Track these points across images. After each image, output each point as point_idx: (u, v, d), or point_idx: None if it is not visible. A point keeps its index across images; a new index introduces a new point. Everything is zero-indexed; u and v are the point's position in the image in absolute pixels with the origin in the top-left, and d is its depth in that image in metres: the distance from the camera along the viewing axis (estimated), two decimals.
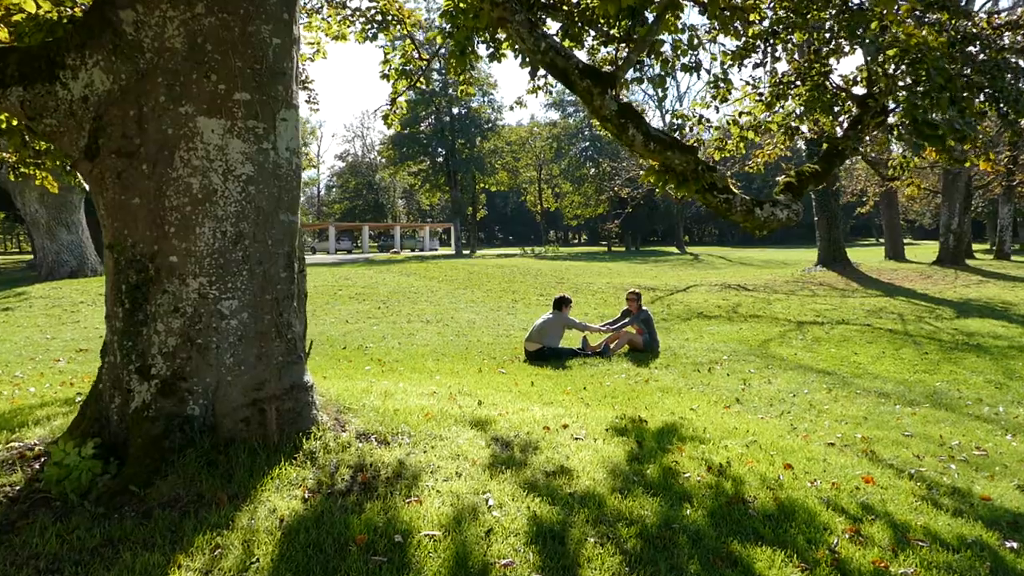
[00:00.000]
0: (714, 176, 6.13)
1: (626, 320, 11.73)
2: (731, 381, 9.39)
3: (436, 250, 72.82)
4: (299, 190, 5.23)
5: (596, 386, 8.77)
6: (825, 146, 7.34)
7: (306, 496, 4.20)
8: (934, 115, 5.88)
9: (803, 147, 26.59)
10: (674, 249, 61.85)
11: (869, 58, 7.00)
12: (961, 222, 28.21)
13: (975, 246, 42.61)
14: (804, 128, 9.12)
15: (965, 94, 5.94)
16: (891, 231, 33.19)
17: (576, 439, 5.70)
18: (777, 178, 7.07)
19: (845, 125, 8.33)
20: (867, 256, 34.35)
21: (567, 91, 55.84)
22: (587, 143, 68.63)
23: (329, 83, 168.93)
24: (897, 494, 5.09)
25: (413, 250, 72.01)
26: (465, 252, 58.81)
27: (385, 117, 9.27)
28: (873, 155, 15.00)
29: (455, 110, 60.99)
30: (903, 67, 6.48)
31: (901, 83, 7.46)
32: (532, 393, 7.98)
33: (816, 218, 28.34)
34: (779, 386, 9.13)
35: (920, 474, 5.72)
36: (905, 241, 41.75)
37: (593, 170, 65.58)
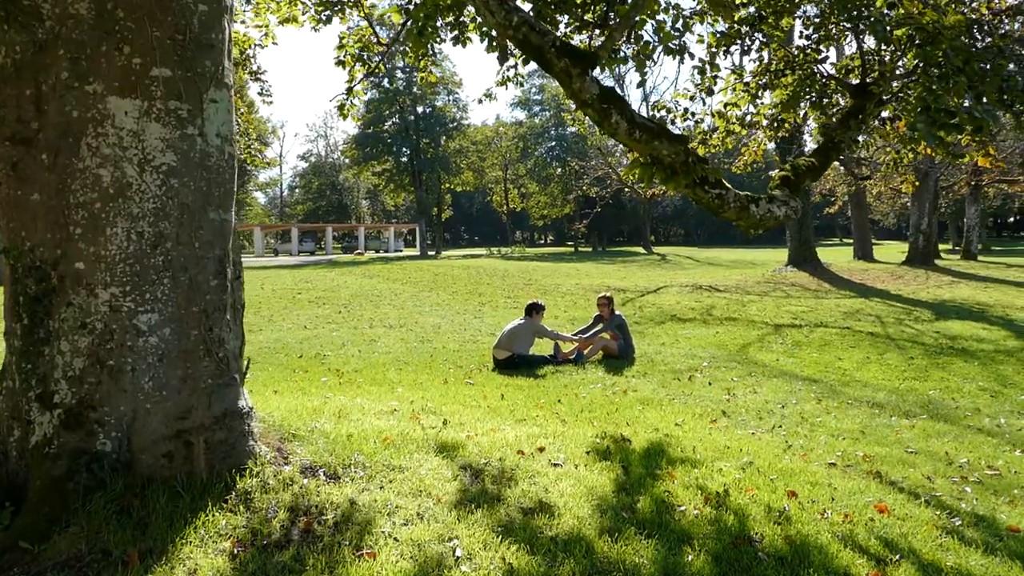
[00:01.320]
0: (706, 169, 5.51)
1: (599, 327, 11.11)
2: (714, 391, 8.80)
3: (401, 251, 71.87)
4: (234, 184, 4.50)
5: (571, 398, 8.12)
6: (821, 139, 6.76)
7: (235, 551, 3.48)
8: (949, 102, 5.32)
9: (773, 148, 26.27)
10: (641, 249, 61.56)
11: (873, 40, 6.44)
12: (931, 222, 28.09)
13: (939, 246, 42.81)
14: (791, 121, 8.56)
15: (986, 78, 5.36)
16: (860, 231, 33.06)
17: (555, 465, 5.04)
18: (770, 173, 6.50)
19: (837, 117, 7.79)
20: (835, 256, 34.18)
21: (534, 90, 55.59)
22: (553, 143, 68.22)
23: (291, 81, 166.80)
24: (917, 526, 4.50)
25: (378, 251, 70.99)
26: (430, 253, 57.99)
27: (341, 107, 8.53)
28: (849, 154, 14.56)
29: (420, 109, 60.18)
30: (913, 49, 5.91)
31: (899, 70, 6.93)
32: (503, 408, 7.30)
33: None
34: (765, 396, 8.56)
35: (936, 499, 5.15)
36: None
37: (560, 170, 65.16)
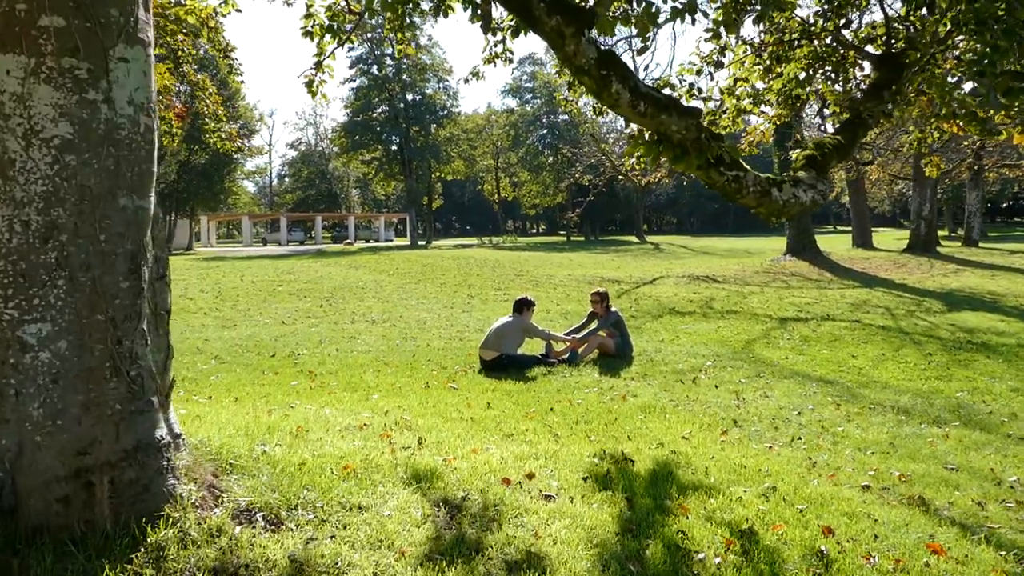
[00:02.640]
0: (722, 147, 4.71)
1: (593, 326, 10.31)
2: (721, 395, 8.03)
3: (391, 241, 70.95)
4: (153, 163, 3.69)
5: (565, 405, 7.34)
6: (845, 115, 5.97)
7: None
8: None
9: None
10: (634, 238, 60.78)
11: (900, 4, 5.64)
12: (932, 208, 27.36)
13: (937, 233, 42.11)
14: (805, 97, 7.76)
15: None
16: (859, 218, 32.32)
17: (547, 498, 4.25)
18: (790, 153, 5.71)
19: (859, 90, 7.00)
20: (833, 244, 33.41)
21: (525, 77, 54.51)
22: (545, 130, 67.28)
23: (280, 68, 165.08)
24: (982, 573, 3.74)
25: (368, 241, 70.02)
26: (421, 243, 57.10)
27: (309, 85, 7.68)
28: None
29: (409, 96, 59.07)
30: (962, 3, 5.09)
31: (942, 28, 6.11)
32: (488, 420, 6.51)
33: None
34: (778, 400, 7.80)
35: (996, 535, 4.38)
36: None
37: (551, 158, 64.26)
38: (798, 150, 5.58)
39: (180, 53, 10.68)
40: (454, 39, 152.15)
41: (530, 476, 4.62)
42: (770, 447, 6.13)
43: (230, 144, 11.44)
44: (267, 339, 11.97)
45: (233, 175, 53.63)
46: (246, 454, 4.26)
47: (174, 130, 10.68)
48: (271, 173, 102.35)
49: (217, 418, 5.77)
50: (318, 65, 7.69)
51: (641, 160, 7.81)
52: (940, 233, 46.99)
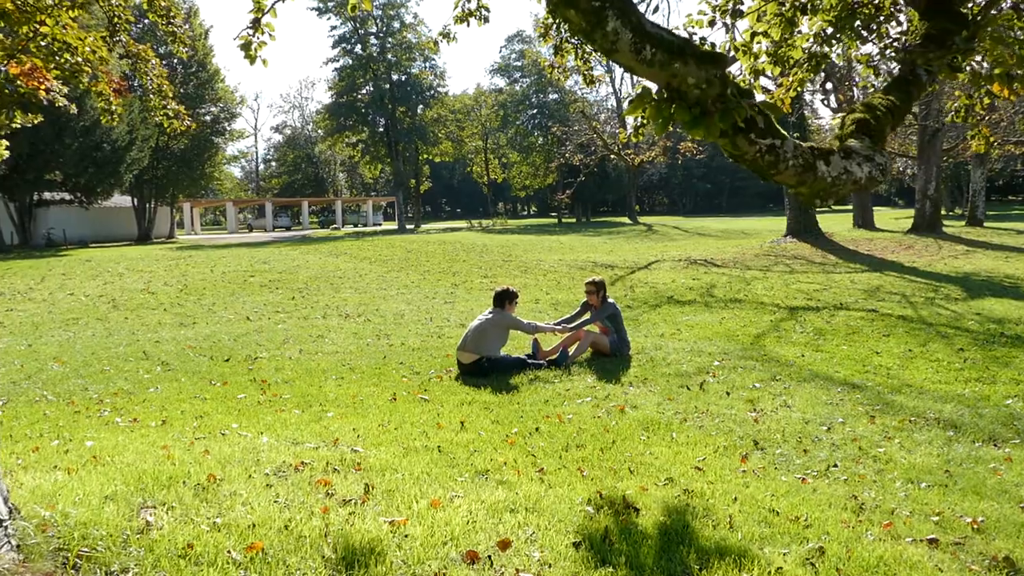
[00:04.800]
0: (753, 107, 3.57)
1: (586, 318, 9.19)
2: (735, 404, 6.92)
3: (380, 225, 69.65)
4: None
5: (553, 423, 6.21)
6: (897, 69, 4.82)
7: None
8: None
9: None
10: (626, 219, 59.57)
11: None
12: (938, 187, 26.26)
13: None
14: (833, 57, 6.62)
15: None
16: (860, 197, 31.14)
17: None
18: (831, 120, 4.57)
19: (903, 44, 5.85)
20: (833, 224, 32.23)
21: (514, 56, 53.20)
22: (535, 110, 65.83)
23: (266, 52, 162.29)
24: None
25: (356, 225, 68.67)
26: (409, 227, 55.81)
27: (246, 47, 6.47)
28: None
29: (395, 76, 57.52)
30: None
31: None
32: (459, 447, 5.38)
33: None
34: (802, 411, 6.69)
35: None
36: None
37: (541, 139, 62.93)
38: (841, 115, 4.45)
39: (116, 19, 9.44)
40: (440, 21, 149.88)
41: (504, 545, 3.50)
42: (802, 479, 5.02)
43: (178, 123, 10.18)
44: (226, 340, 10.80)
45: (215, 160, 51.90)
46: (114, 534, 3.12)
47: (113, 107, 9.43)
48: (257, 158, 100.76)
49: (119, 458, 4.63)
50: (255, 24, 6.50)
51: (641, 129, 6.68)
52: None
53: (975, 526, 4.27)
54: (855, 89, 25.89)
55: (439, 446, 5.32)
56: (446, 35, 8.19)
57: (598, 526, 3.88)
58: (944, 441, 5.91)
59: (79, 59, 9.10)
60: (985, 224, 30.52)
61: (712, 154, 74.18)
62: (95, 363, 9.27)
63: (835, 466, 5.31)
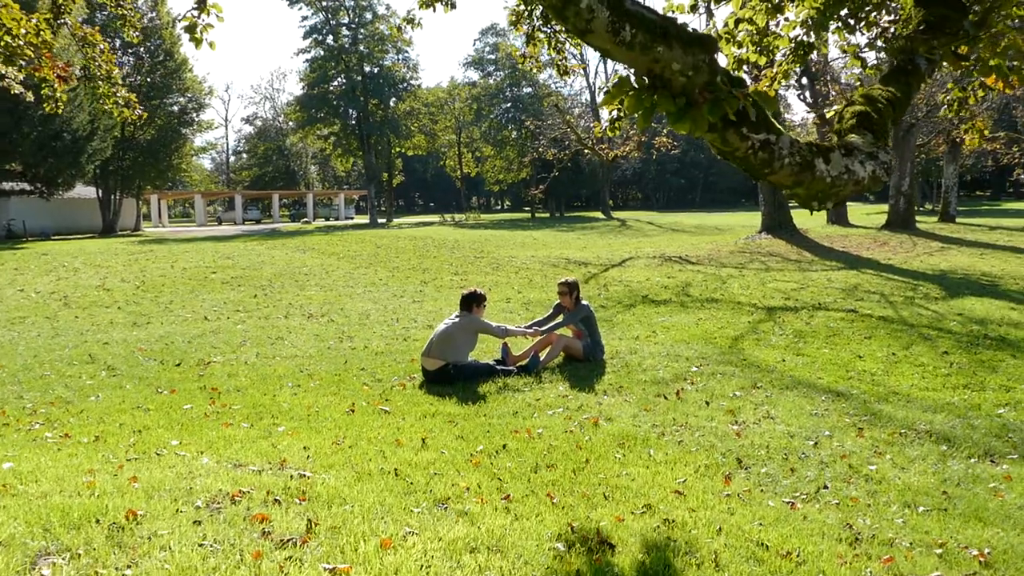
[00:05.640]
0: (747, 97, 3.14)
1: (559, 320, 8.76)
2: (715, 415, 6.52)
3: (352, 218, 68.83)
4: None
5: (522, 439, 5.77)
6: (895, 60, 4.42)
7: None
8: None
9: None
10: (599, 214, 59.33)
11: None
12: (911, 183, 26.15)
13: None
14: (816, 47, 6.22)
15: None
16: None
17: None
18: (824, 112, 4.16)
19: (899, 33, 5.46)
20: (806, 220, 31.97)
21: (488, 48, 52.74)
22: (509, 104, 65.32)
23: (237, 40, 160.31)
24: None
25: (328, 219, 67.76)
26: (381, 221, 55.10)
27: (191, 29, 5.92)
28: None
29: (367, 68, 56.67)
30: None
31: None
32: (419, 470, 4.92)
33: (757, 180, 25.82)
34: (786, 423, 6.31)
35: None
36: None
37: (515, 133, 62.40)
38: (836, 107, 4.04)
39: (61, 1, 8.85)
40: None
41: None
42: (791, 504, 4.63)
43: (129, 112, 9.61)
44: (180, 341, 10.24)
45: (182, 151, 50.74)
46: None
47: (57, 94, 8.85)
48: (227, 149, 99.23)
49: (34, 487, 4.12)
50: (201, 4, 5.97)
51: (617, 123, 6.24)
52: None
53: (982, 559, 3.89)
54: (830, 84, 25.71)
55: (396, 469, 4.86)
56: (410, 20, 7.71)
57: (569, 568, 3.45)
58: (938, 457, 5.55)
59: (20, 42, 8.52)
60: (957, 220, 30.54)
61: (686, 149, 74.16)
62: (36, 367, 8.68)
63: (825, 487, 4.92)
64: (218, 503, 3.94)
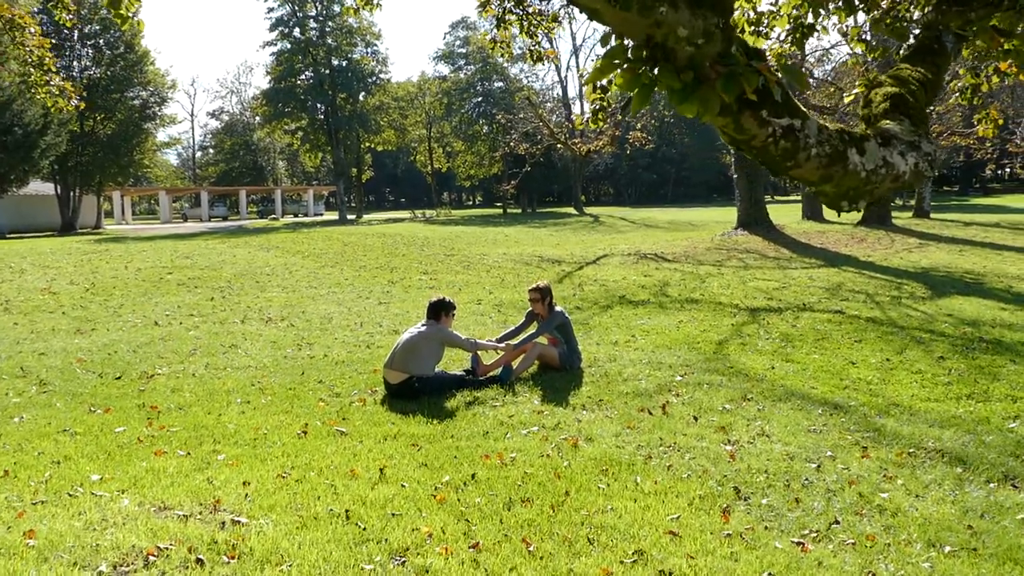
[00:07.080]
0: (769, 74, 2.53)
1: (532, 331, 8.15)
2: (704, 433, 5.95)
3: (322, 215, 67.69)
4: None
5: (493, 467, 5.14)
6: (921, 35, 3.85)
7: None
8: None
9: None
10: (572, 210, 58.78)
11: None
12: None
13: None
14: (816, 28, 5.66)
15: None
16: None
17: None
18: (843, 96, 3.55)
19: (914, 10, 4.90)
20: (781, 215, 31.69)
21: (458, 42, 52.08)
22: (480, 98, 64.54)
23: (203, 32, 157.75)
24: None
25: (296, 216, 66.59)
26: (350, 217, 54.12)
27: (115, 4, 5.22)
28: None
29: (335, 62, 55.60)
30: None
31: None
32: (374, 508, 4.27)
33: (734, 175, 25.45)
34: (782, 441, 5.75)
35: None
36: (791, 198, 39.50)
37: (486, 127, 61.63)
38: (859, 88, 3.46)
39: None
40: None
41: None
42: (801, 545, 4.05)
43: (64, 102, 8.83)
44: (124, 350, 9.49)
45: (144, 146, 49.40)
46: None
47: None
48: (193, 144, 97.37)
49: None
50: None
51: (600, 114, 5.61)
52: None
53: None
54: (813, 71, 25.36)
55: (347, 510, 4.20)
56: (367, 2, 7.03)
57: None
58: (954, 482, 5.01)
59: None
60: (932, 216, 30.38)
61: (658, 144, 73.78)
62: None
63: (836, 523, 4.35)
64: (127, 566, 3.27)
